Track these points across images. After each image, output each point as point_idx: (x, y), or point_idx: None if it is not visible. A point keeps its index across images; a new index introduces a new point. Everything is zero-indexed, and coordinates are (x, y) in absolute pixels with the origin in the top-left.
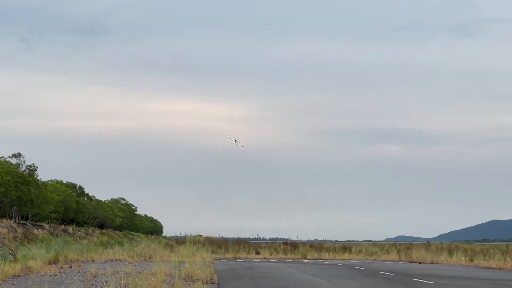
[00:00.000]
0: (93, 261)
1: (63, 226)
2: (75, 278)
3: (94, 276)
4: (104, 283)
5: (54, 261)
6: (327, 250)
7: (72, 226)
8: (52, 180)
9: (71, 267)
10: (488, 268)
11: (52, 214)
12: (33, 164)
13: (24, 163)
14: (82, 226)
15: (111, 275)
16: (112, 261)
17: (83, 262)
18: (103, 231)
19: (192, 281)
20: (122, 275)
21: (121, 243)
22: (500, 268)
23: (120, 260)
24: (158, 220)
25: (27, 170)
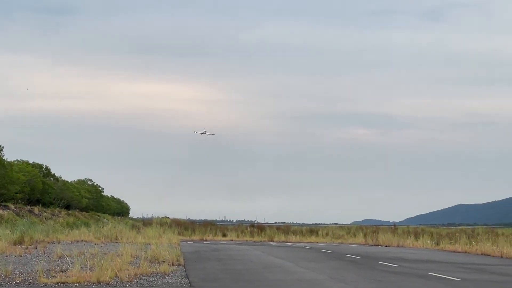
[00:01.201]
0: (59, 242)
1: (29, 207)
2: (40, 259)
3: (60, 257)
4: (70, 264)
5: (19, 242)
6: (294, 233)
7: (38, 207)
8: (18, 161)
9: (36, 248)
10: (454, 251)
11: (17, 195)
12: None
13: None
14: (48, 207)
15: (77, 256)
16: (78, 242)
17: (48, 243)
18: (69, 212)
19: (158, 262)
20: (88, 256)
21: (87, 224)
22: (466, 252)
23: (86, 241)
24: (125, 202)
25: None
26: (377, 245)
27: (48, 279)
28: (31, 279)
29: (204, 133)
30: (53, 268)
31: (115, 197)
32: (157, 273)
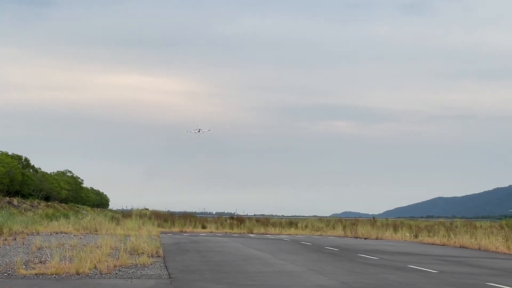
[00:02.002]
0: (38, 234)
1: (8, 198)
2: (19, 250)
3: (39, 249)
4: (49, 256)
5: None
6: (273, 225)
7: (17, 198)
8: None
9: (15, 239)
10: (432, 244)
11: None
12: None
13: None
14: (28, 198)
15: (56, 247)
16: (57, 233)
17: (28, 234)
18: (49, 203)
19: (138, 254)
20: (67, 247)
21: (66, 216)
22: (444, 245)
23: (65, 233)
24: (105, 193)
25: None
26: (356, 238)
27: (27, 270)
28: (9, 270)
29: (198, 131)
30: (32, 259)
31: (94, 188)
32: (137, 264)
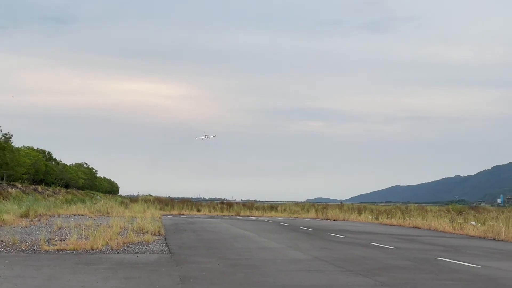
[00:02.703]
0: (58, 216)
1: (33, 186)
2: (43, 230)
3: (60, 228)
4: (68, 234)
5: (25, 215)
6: (257, 208)
7: (41, 186)
8: (24, 147)
9: (39, 220)
10: (391, 225)
11: (24, 176)
12: (8, 132)
13: (1, 131)
14: (50, 186)
15: (74, 227)
16: (75, 215)
17: (50, 216)
18: (68, 190)
19: (143, 233)
20: (83, 227)
21: (83, 201)
22: (400, 225)
23: (82, 215)
24: (115, 182)
25: (3, 138)
26: (327, 219)
27: (49, 246)
28: (34, 247)
29: (205, 137)
30: (54, 237)
31: (107, 177)
32: (142, 242)
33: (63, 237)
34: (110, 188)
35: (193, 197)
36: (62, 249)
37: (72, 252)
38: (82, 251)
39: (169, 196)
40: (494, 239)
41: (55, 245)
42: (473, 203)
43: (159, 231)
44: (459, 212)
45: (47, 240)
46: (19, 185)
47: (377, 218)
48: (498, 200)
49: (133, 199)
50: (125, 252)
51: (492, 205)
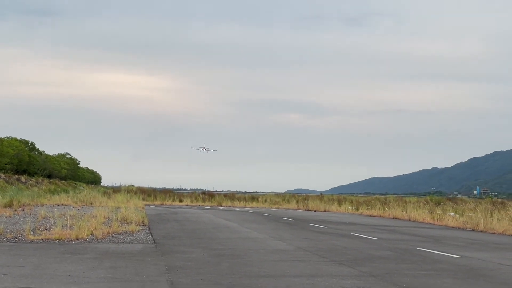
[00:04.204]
0: (42, 206)
1: (17, 176)
2: (27, 219)
3: (44, 218)
4: (53, 224)
5: (9, 205)
6: (239, 199)
7: (24, 176)
8: (7, 137)
9: (23, 210)
10: (371, 216)
11: (7, 166)
12: None
13: None
14: (33, 176)
15: (58, 217)
16: (58, 205)
17: (34, 206)
18: (51, 180)
19: (127, 223)
20: (67, 217)
21: (66, 191)
22: (380, 216)
23: (65, 205)
24: (98, 172)
25: None
26: (307, 210)
27: (35, 236)
28: (19, 236)
29: (203, 149)
30: (38, 227)
31: (89, 168)
32: (126, 231)
33: (47, 226)
34: (93, 179)
35: (174, 187)
36: (47, 239)
37: (58, 241)
38: (67, 240)
39: (151, 187)
40: (473, 230)
41: (40, 234)
42: (450, 195)
43: (143, 221)
44: (438, 203)
45: (32, 230)
46: (2, 175)
47: (357, 209)
48: (475, 192)
49: (116, 190)
50: (110, 242)
51: (469, 197)
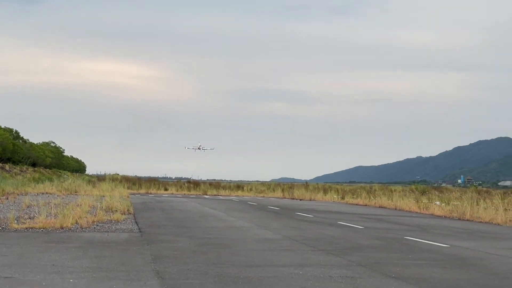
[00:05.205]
0: (26, 194)
1: (1, 164)
2: (11, 208)
3: (28, 206)
4: (37, 212)
5: None
6: (224, 188)
7: (8, 164)
8: None
9: (7, 199)
10: (357, 204)
11: None
12: None
13: None
14: (18, 164)
15: (43, 205)
16: (43, 194)
17: (18, 194)
18: (36, 169)
19: (112, 212)
20: (52, 206)
21: (51, 179)
22: (366, 205)
23: (50, 194)
24: (82, 161)
25: None
26: (293, 199)
27: (19, 225)
28: (3, 225)
29: (199, 148)
30: (23, 215)
31: (74, 156)
32: (111, 220)
33: (32, 215)
34: (77, 167)
35: (159, 176)
36: (32, 228)
37: (42, 230)
38: (51, 229)
39: (136, 175)
40: (459, 219)
41: (24, 223)
42: (435, 183)
43: (128, 210)
44: (423, 192)
45: (16, 219)
46: None
47: (343, 198)
48: (459, 181)
49: (101, 178)
50: (95, 231)
51: (453, 185)
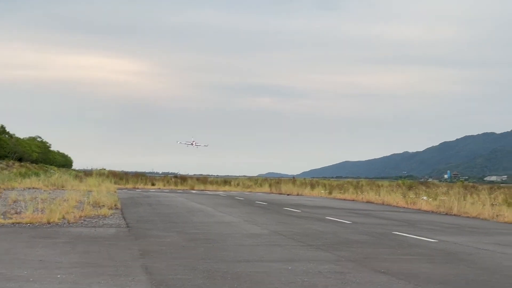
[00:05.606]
0: (13, 189)
1: None
2: None
3: (15, 201)
4: (23, 207)
5: None
6: (211, 183)
7: None
8: None
9: None
10: (344, 199)
11: None
12: None
13: None
14: (3, 159)
15: (29, 200)
16: (29, 189)
17: (4, 189)
18: (22, 163)
19: (99, 207)
20: (39, 201)
21: (37, 174)
22: (354, 200)
23: (36, 188)
24: (69, 156)
25: None
26: (280, 194)
27: (5, 220)
28: None
29: (192, 144)
30: (9, 210)
31: (60, 151)
32: (99, 215)
33: (18, 210)
34: (64, 162)
35: (146, 171)
36: (18, 223)
37: (29, 225)
38: (38, 224)
39: (123, 170)
40: (446, 214)
41: (11, 218)
42: (421, 178)
43: (115, 205)
44: (410, 187)
45: (2, 214)
46: None
47: (330, 193)
48: (445, 176)
49: (87, 173)
50: (82, 226)
51: (440, 181)
